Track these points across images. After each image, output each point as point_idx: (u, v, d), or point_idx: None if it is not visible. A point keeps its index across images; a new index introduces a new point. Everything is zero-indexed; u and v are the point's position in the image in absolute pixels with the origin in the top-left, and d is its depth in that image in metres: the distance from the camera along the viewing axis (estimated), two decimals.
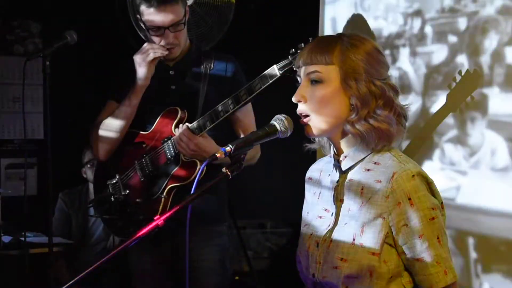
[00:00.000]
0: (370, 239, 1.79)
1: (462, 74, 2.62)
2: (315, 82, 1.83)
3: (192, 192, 1.79)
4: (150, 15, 2.90)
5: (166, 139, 2.96)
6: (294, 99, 1.86)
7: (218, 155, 1.77)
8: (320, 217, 1.93)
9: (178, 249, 2.99)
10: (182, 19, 2.94)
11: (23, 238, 3.59)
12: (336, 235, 1.85)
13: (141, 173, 3.02)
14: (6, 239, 3.96)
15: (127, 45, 4.49)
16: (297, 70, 1.90)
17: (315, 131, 1.86)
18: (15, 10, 4.99)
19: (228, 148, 1.78)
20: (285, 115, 1.91)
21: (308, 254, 1.90)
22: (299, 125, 1.90)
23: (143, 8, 2.91)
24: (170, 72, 3.06)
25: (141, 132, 3.07)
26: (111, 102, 3.13)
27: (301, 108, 1.86)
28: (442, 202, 1.84)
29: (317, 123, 1.84)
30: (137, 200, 3.01)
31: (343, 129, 1.85)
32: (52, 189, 3.10)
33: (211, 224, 3.05)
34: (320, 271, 1.86)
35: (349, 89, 1.81)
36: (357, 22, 3.18)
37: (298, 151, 2.89)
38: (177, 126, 2.96)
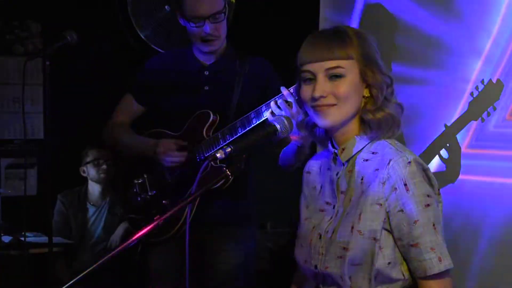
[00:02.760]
0: (367, 226, 1.81)
1: (485, 83, 2.63)
2: (335, 77, 1.83)
3: (192, 192, 1.79)
4: (192, 5, 2.88)
5: (196, 143, 2.93)
6: (317, 94, 1.83)
7: (218, 155, 1.77)
8: (322, 211, 1.94)
9: (200, 251, 2.96)
10: (222, 9, 2.91)
11: (23, 238, 3.59)
12: (338, 225, 1.86)
13: (169, 174, 2.99)
14: (6, 239, 3.96)
15: (127, 45, 4.50)
16: (303, 65, 1.87)
17: (333, 120, 1.85)
18: (15, 10, 4.98)
19: (228, 149, 1.78)
20: (285, 115, 1.91)
21: (311, 247, 1.91)
22: None
23: None
24: (205, 72, 3.02)
25: (171, 133, 3.03)
26: (128, 96, 3.12)
27: (324, 102, 1.84)
28: (439, 189, 1.85)
29: (338, 113, 1.85)
30: (164, 201, 2.97)
31: (357, 118, 1.87)
32: (52, 189, 3.09)
33: (239, 227, 3.03)
34: (322, 262, 1.87)
35: (367, 80, 1.84)
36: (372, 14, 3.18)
37: None
38: (208, 129, 2.92)
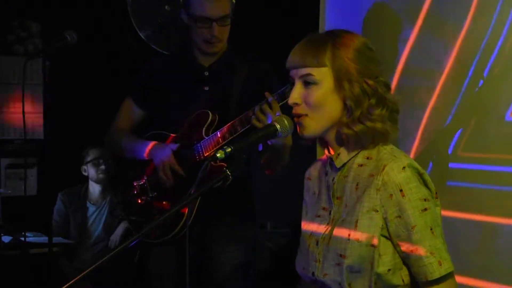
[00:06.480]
0: (364, 232, 1.80)
1: (484, 79, 2.63)
2: (309, 84, 1.83)
3: (192, 192, 1.80)
4: (202, 5, 2.89)
5: (196, 143, 2.92)
6: (289, 102, 1.85)
7: (218, 155, 1.77)
8: (319, 216, 1.93)
9: (202, 252, 2.96)
10: (229, 14, 2.93)
11: (23, 238, 3.59)
12: (334, 232, 1.85)
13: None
14: (6, 239, 3.96)
15: (127, 45, 4.51)
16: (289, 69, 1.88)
17: (308, 132, 1.85)
18: (15, 10, 4.99)
19: (228, 149, 1.78)
20: (285, 115, 1.91)
21: (308, 253, 1.91)
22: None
23: None
24: (205, 73, 3.01)
25: (171, 134, 3.03)
26: (129, 100, 3.12)
27: (297, 110, 1.85)
28: (436, 192, 1.84)
29: (311, 124, 1.84)
30: (164, 203, 2.97)
31: (336, 129, 1.85)
32: (52, 189, 3.09)
33: (239, 227, 3.02)
34: (320, 269, 1.86)
35: (343, 90, 1.81)
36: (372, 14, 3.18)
37: (298, 151, 2.89)
38: (208, 129, 2.91)
